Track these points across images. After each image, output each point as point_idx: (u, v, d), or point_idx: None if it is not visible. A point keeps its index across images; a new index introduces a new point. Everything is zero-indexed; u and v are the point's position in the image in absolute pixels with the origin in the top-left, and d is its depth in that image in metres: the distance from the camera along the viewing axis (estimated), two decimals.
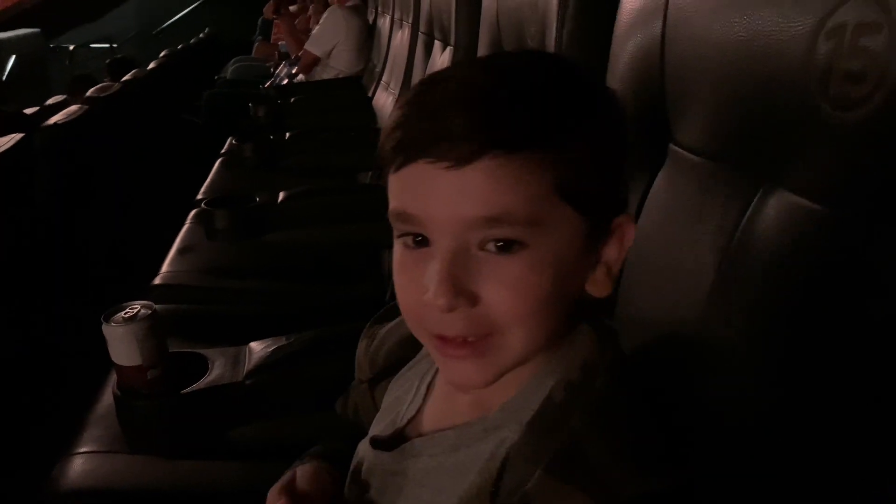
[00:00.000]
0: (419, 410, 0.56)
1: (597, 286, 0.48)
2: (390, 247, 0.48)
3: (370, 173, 2.35)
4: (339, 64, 3.20)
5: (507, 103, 0.43)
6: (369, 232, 1.52)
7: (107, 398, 1.04)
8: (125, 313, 0.91)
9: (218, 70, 5.28)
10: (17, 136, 2.18)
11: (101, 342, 0.94)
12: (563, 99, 0.45)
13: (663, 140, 0.70)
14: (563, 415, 0.44)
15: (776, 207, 0.52)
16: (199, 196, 2.18)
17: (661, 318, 0.64)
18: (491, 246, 0.43)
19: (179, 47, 4.90)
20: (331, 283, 1.62)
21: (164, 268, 1.63)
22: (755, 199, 0.54)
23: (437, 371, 0.57)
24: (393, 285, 0.48)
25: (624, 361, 0.48)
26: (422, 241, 0.45)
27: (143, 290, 1.52)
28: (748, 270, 0.53)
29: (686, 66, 0.64)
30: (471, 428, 0.49)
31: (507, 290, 0.43)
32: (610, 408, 0.45)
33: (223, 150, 2.67)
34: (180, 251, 1.73)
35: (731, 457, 0.52)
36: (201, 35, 5.94)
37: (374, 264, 1.72)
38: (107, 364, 1.09)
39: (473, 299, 0.43)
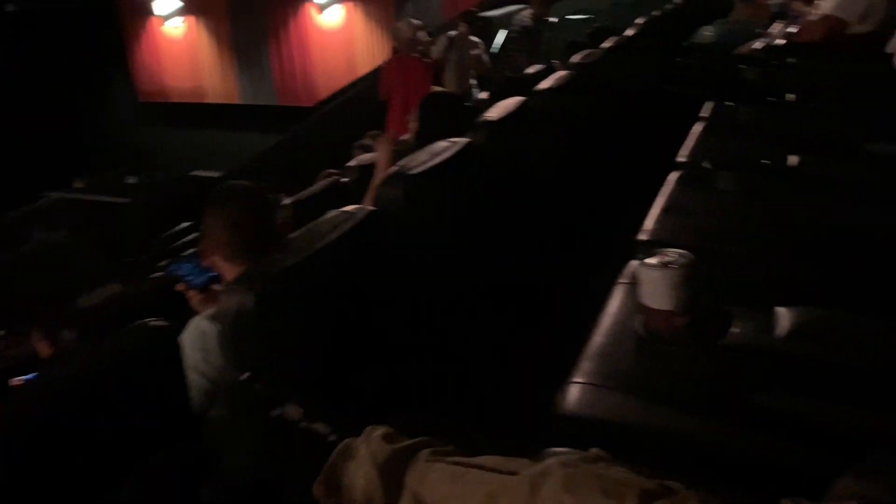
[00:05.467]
0: None
1: None
2: None
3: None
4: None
5: None
6: None
7: (600, 335, 1.07)
8: (661, 258, 0.92)
9: (688, 36, 5.19)
10: (520, 99, 2.45)
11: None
12: None
13: None
14: None
15: None
16: (680, 159, 2.16)
17: None
18: None
19: (654, 14, 4.95)
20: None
21: (649, 225, 1.65)
22: None
23: None
24: None
25: None
26: None
27: (626, 245, 1.56)
28: None
29: None
30: None
31: None
32: None
33: (702, 115, 2.60)
34: (666, 210, 1.73)
35: None
36: (675, 2, 5.91)
37: None
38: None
39: None
